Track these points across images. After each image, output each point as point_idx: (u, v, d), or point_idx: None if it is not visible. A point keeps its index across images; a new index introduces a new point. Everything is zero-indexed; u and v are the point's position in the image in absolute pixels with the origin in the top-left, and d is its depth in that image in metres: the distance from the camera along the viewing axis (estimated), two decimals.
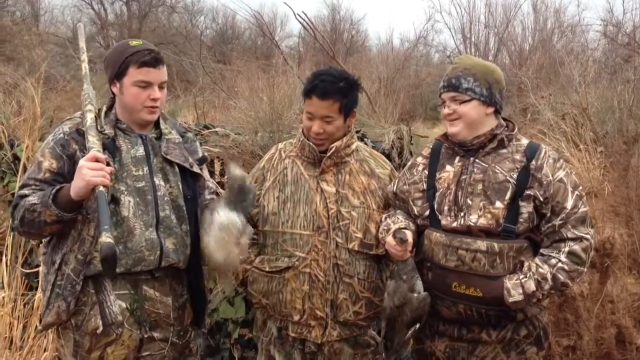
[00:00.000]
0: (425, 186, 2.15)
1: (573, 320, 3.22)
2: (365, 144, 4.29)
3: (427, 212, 2.12)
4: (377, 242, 2.20)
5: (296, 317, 2.17)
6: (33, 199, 1.95)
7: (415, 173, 2.21)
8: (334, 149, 2.18)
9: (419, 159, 2.24)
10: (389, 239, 2.07)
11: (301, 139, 2.24)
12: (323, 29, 18.83)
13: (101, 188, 1.84)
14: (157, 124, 2.19)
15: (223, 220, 1.98)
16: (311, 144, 2.20)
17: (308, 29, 7.79)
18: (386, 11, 43.73)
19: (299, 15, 7.20)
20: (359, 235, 2.18)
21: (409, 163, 2.32)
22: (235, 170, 2.01)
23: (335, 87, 2.13)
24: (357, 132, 5.24)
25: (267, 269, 2.21)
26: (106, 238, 1.75)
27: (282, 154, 2.29)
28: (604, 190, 4.75)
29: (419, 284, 2.07)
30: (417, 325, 2.10)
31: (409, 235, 2.05)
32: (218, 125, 5.37)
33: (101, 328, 2.00)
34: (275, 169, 2.26)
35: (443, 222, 2.08)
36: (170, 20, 22.74)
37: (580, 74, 7.43)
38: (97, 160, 1.87)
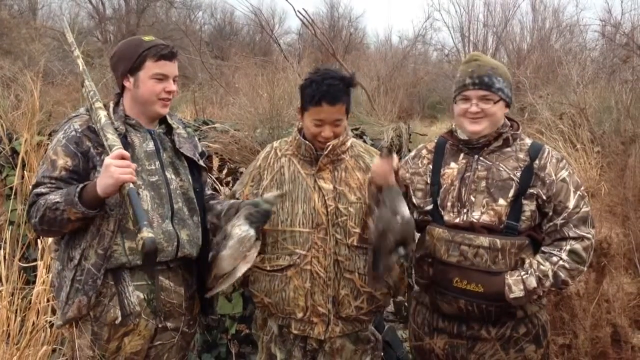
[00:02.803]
0: (429, 180, 2.16)
1: (569, 319, 3.23)
2: (364, 141, 4.30)
3: (430, 207, 2.14)
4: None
5: (299, 315, 2.18)
6: (55, 197, 1.97)
7: (419, 165, 2.22)
8: (330, 147, 2.19)
9: (424, 152, 2.25)
10: (375, 160, 2.04)
11: (297, 138, 2.24)
12: (321, 26, 18.79)
13: (131, 185, 1.88)
14: (161, 119, 2.22)
15: (242, 235, 2.06)
16: (307, 142, 2.20)
17: (308, 26, 7.77)
18: (385, 9, 43.67)
19: (299, 12, 7.19)
20: (357, 230, 2.19)
21: (412, 153, 2.31)
22: (272, 196, 2.11)
23: (342, 89, 2.14)
24: (356, 129, 5.26)
25: (268, 268, 2.22)
26: (148, 233, 1.81)
27: (278, 153, 2.29)
28: (601, 190, 4.77)
29: (403, 208, 2.02)
30: (402, 250, 2.03)
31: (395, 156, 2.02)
32: (217, 121, 5.36)
33: (120, 319, 2.06)
34: (272, 167, 2.27)
35: (445, 217, 2.10)
36: (168, 15, 22.67)
37: (578, 73, 7.44)
38: (123, 157, 1.91)
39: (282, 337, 2.26)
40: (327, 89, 2.11)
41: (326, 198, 2.17)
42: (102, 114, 2.04)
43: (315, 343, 2.22)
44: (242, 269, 2.11)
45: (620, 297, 3.29)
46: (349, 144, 2.26)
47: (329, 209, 2.17)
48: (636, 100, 6.36)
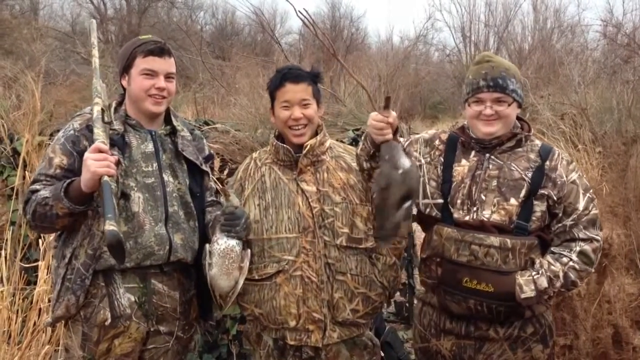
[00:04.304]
0: (440, 174, 2.15)
1: (570, 319, 3.23)
2: None
3: (440, 201, 2.12)
4: (366, 236, 2.19)
5: (292, 323, 2.15)
6: (45, 193, 1.98)
7: (432, 155, 2.19)
8: (308, 147, 2.18)
9: (437, 142, 2.21)
10: (372, 114, 1.97)
11: (274, 143, 2.23)
12: (323, 26, 18.80)
13: (106, 178, 1.87)
14: (167, 120, 2.22)
15: (222, 248, 2.05)
16: (285, 145, 2.19)
17: (309, 26, 7.76)
18: (386, 9, 43.66)
19: (300, 12, 7.16)
20: (346, 230, 2.17)
21: (425, 135, 2.27)
22: (233, 199, 2.08)
23: (304, 72, 2.22)
24: (357, 129, 5.25)
25: (256, 277, 2.18)
26: (110, 226, 1.79)
27: (258, 163, 2.28)
28: (602, 191, 4.75)
29: (403, 160, 1.93)
30: (408, 203, 1.96)
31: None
32: (218, 121, 5.36)
33: (110, 320, 2.05)
34: (253, 177, 2.25)
35: (455, 215, 2.09)
36: (169, 15, 22.67)
37: (580, 74, 7.45)
38: (100, 151, 1.90)
39: (279, 349, 2.23)
40: (288, 71, 2.21)
41: (310, 200, 2.16)
42: (96, 109, 2.04)
43: (310, 351, 2.19)
44: (241, 280, 2.10)
45: (622, 298, 3.28)
46: (327, 144, 2.26)
47: (314, 212, 2.15)
48: (638, 101, 6.36)
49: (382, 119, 1.95)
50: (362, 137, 2.12)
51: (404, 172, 1.93)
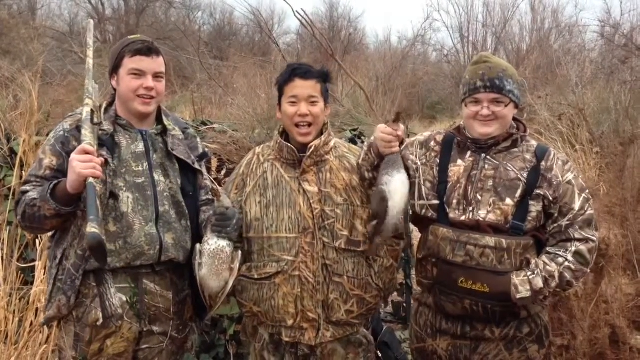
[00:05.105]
0: (436, 174, 2.15)
1: (567, 320, 3.23)
2: (363, 142, 4.29)
3: (436, 202, 2.12)
4: (365, 239, 2.19)
5: (290, 322, 2.15)
6: (33, 194, 1.99)
7: (427, 157, 2.19)
8: (313, 147, 2.17)
9: (432, 144, 2.21)
10: (380, 126, 2.02)
11: (278, 141, 2.22)
12: (321, 26, 18.81)
13: (91, 180, 1.87)
14: (159, 120, 2.21)
15: (212, 248, 2.04)
16: (289, 144, 2.18)
17: (307, 27, 7.76)
18: (384, 9, 43.74)
19: (298, 12, 7.16)
20: (345, 233, 2.17)
21: (421, 137, 2.27)
22: (224, 200, 2.07)
23: (314, 69, 2.22)
24: (355, 130, 5.25)
25: (255, 276, 2.18)
26: (91, 228, 1.79)
27: (261, 158, 2.27)
28: (600, 191, 4.76)
29: (384, 179, 2.00)
30: (374, 222, 2.04)
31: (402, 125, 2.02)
32: (215, 121, 5.36)
33: (101, 320, 2.05)
34: (255, 173, 2.24)
35: (451, 215, 2.09)
36: (167, 15, 22.70)
37: (577, 74, 7.47)
38: (86, 152, 1.90)
39: (274, 344, 2.23)
40: (298, 66, 2.21)
41: (312, 201, 2.15)
42: (85, 110, 2.04)
43: (306, 348, 2.19)
44: (230, 281, 2.10)
45: (619, 298, 3.29)
46: (332, 144, 2.25)
47: (314, 213, 2.14)
48: (635, 101, 6.38)
49: (391, 132, 1.99)
50: (366, 148, 2.12)
51: (375, 191, 2.00)
